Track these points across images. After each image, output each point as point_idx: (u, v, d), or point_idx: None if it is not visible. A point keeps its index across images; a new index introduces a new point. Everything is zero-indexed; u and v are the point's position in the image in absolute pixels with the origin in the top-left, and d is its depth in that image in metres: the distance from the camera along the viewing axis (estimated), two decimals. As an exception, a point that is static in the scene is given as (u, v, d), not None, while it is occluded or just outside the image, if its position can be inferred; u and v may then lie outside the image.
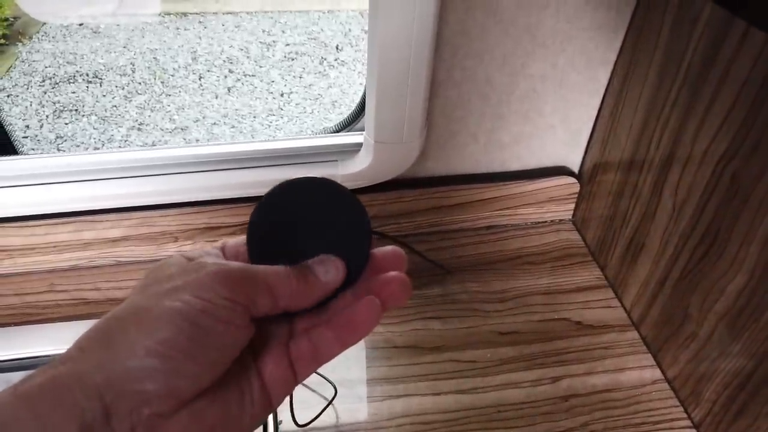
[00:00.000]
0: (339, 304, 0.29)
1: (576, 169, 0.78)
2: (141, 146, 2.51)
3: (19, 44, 3.12)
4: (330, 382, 0.59)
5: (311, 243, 0.28)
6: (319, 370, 0.32)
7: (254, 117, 2.71)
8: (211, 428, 0.25)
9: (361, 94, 0.68)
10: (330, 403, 0.58)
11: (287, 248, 0.28)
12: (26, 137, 2.55)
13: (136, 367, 0.23)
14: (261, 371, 0.28)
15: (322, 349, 0.28)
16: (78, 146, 2.52)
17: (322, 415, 0.57)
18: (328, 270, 0.28)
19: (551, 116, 0.71)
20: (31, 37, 3.17)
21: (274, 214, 0.28)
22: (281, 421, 0.56)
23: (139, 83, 2.89)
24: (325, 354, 0.28)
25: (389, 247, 0.30)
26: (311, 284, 0.28)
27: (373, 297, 0.28)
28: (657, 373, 0.62)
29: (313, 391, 0.59)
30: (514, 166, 0.76)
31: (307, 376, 0.29)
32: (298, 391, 0.57)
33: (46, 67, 2.97)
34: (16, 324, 0.66)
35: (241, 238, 0.29)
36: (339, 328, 0.28)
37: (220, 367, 0.25)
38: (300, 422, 0.56)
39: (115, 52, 3.09)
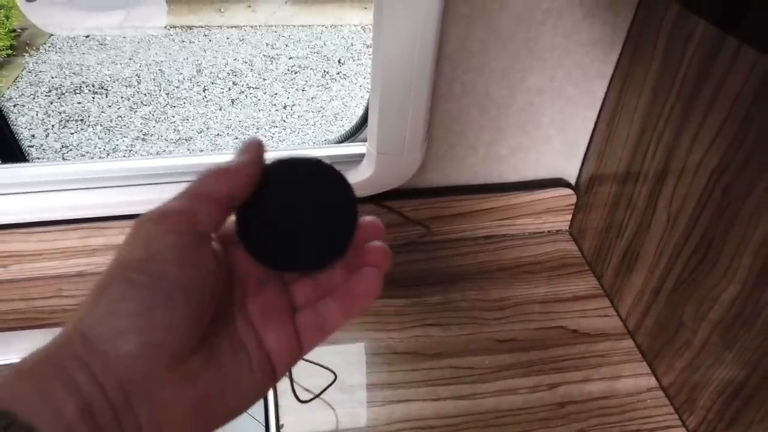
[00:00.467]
0: (335, 279, 0.30)
1: (573, 181, 0.80)
2: (147, 155, 2.54)
3: (26, 55, 3.16)
4: (328, 369, 0.61)
5: (300, 217, 0.29)
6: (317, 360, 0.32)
7: (257, 128, 2.73)
8: (206, 394, 0.25)
9: (362, 107, 0.70)
10: (331, 384, 0.60)
11: (277, 224, 0.29)
12: (32, 146, 2.57)
13: (107, 332, 0.23)
14: (263, 340, 0.28)
15: (328, 319, 0.29)
16: (83, 156, 2.55)
17: (322, 421, 0.58)
18: (243, 150, 0.28)
19: (549, 129, 0.73)
20: (38, 48, 3.21)
21: (260, 194, 0.29)
22: (283, 425, 0.57)
23: (145, 94, 2.93)
24: (330, 325, 0.29)
25: (368, 218, 0.30)
26: (231, 170, 0.27)
27: (371, 267, 0.29)
28: (652, 381, 0.63)
29: (307, 393, 0.60)
30: (512, 177, 0.78)
31: (313, 347, 0.30)
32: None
33: (52, 78, 3.00)
34: (23, 328, 0.67)
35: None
36: (342, 299, 0.29)
37: (196, 315, 0.25)
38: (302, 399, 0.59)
39: (120, 63, 3.13)
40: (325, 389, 0.60)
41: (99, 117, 2.77)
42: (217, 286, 0.27)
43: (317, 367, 0.61)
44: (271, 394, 0.59)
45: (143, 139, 2.65)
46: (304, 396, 0.59)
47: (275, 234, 0.29)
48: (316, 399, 0.59)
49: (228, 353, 0.27)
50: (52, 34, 3.30)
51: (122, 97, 2.90)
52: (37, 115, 2.76)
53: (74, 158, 2.51)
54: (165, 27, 3.45)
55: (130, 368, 0.23)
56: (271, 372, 0.28)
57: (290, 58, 3.20)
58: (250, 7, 3.69)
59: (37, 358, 0.23)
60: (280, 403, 0.59)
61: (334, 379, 0.61)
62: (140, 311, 0.23)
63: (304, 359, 0.30)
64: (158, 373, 0.24)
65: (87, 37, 3.32)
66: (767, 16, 0.31)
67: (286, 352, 0.29)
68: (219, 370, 0.26)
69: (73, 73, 3.04)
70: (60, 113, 2.77)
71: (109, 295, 0.24)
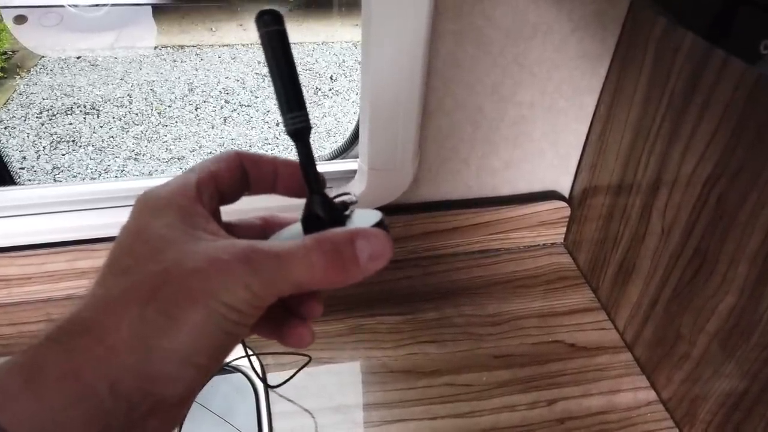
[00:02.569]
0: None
1: (566, 194, 0.80)
2: (137, 176, 2.53)
3: (17, 77, 3.16)
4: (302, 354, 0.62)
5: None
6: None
7: (250, 146, 2.73)
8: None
9: (354, 122, 0.70)
10: (303, 366, 0.61)
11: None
12: (23, 168, 2.56)
13: (172, 377, 0.23)
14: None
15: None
16: (74, 177, 2.53)
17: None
18: (373, 250, 0.25)
19: (541, 142, 0.73)
20: (29, 70, 3.21)
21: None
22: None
23: (136, 114, 2.92)
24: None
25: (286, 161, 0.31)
26: (351, 274, 0.25)
27: (304, 326, 0.29)
28: (651, 395, 0.62)
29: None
30: (506, 190, 0.77)
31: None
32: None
33: (43, 99, 3.00)
34: (10, 354, 0.65)
35: (217, 164, 0.29)
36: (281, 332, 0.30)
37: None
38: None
39: (112, 84, 3.13)
40: (298, 370, 0.61)
41: (91, 137, 2.76)
42: None
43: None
44: (264, 413, 0.58)
45: (135, 159, 2.64)
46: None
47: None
48: (312, 421, 0.58)
49: None
50: (43, 56, 3.31)
51: (114, 118, 2.89)
52: (28, 137, 2.75)
53: (62, 180, 2.50)
54: (156, 47, 3.46)
55: (165, 399, 0.23)
56: None
57: (282, 75, 3.20)
58: (241, 25, 3.72)
59: (57, 374, 0.21)
60: (274, 426, 0.58)
61: (309, 360, 0.62)
62: (208, 366, 0.24)
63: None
64: (182, 403, 0.24)
65: (78, 58, 3.32)
66: (753, 27, 0.31)
67: None
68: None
69: (65, 95, 3.04)
70: (51, 134, 2.77)
71: (191, 343, 0.23)
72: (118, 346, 0.22)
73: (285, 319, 0.29)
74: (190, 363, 0.23)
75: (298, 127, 0.27)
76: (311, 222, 0.28)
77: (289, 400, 0.60)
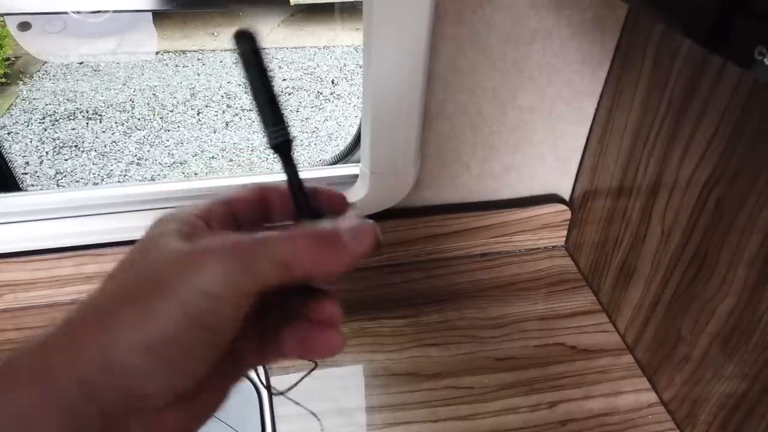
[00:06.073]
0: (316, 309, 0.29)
1: (567, 197, 0.80)
2: (141, 181, 2.53)
3: (20, 83, 3.17)
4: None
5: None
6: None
7: (252, 150, 2.74)
8: (203, 408, 0.26)
9: (356, 126, 0.71)
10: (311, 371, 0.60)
11: None
12: (26, 174, 2.57)
13: (139, 369, 0.22)
14: (269, 350, 0.29)
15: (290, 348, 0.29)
16: (77, 182, 2.54)
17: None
18: (355, 228, 0.25)
19: (541, 145, 0.73)
20: (31, 76, 3.22)
21: None
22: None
23: (139, 119, 2.93)
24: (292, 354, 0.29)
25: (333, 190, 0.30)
26: (337, 254, 0.24)
27: (331, 329, 0.28)
28: (653, 397, 0.63)
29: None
30: (507, 194, 0.78)
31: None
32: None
33: (46, 105, 3.01)
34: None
35: (236, 191, 0.29)
36: (305, 344, 0.29)
37: (218, 358, 0.24)
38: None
39: (114, 89, 3.14)
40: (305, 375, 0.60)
41: (93, 143, 2.77)
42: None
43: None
44: (268, 415, 0.59)
45: (138, 164, 2.65)
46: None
47: None
48: (316, 422, 0.59)
49: (231, 369, 0.27)
50: (45, 62, 3.32)
51: (116, 123, 2.90)
52: (31, 142, 2.76)
53: (68, 185, 2.51)
54: (158, 52, 3.48)
55: (141, 400, 0.23)
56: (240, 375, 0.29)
57: (284, 79, 3.21)
58: (242, 30, 3.73)
59: (27, 370, 0.21)
60: (278, 429, 0.58)
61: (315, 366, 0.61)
62: (181, 359, 0.23)
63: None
64: (164, 405, 0.23)
65: (81, 63, 3.33)
66: (747, 33, 0.31)
67: (273, 358, 0.29)
68: (220, 385, 0.27)
69: (67, 100, 3.05)
70: (54, 140, 2.78)
71: (159, 334, 0.22)
72: (81, 337, 0.22)
73: (308, 329, 0.28)
74: (159, 355, 0.22)
75: (280, 141, 0.27)
76: None
77: (294, 403, 0.60)
